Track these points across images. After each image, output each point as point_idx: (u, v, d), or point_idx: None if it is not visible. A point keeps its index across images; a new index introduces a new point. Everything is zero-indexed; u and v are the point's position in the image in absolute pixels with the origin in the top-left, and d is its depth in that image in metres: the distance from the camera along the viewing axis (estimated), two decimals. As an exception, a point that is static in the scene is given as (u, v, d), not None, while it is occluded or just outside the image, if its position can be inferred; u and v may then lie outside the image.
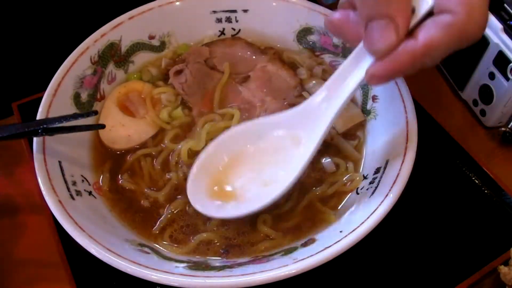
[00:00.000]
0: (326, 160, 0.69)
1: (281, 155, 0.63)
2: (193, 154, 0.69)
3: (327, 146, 0.71)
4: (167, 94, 0.76)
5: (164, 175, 0.69)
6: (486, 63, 0.76)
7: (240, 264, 0.58)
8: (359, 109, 0.75)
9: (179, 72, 0.78)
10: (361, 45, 0.53)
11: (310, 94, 0.76)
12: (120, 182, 0.69)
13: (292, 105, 0.73)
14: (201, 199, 0.62)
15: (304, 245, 0.60)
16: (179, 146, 0.69)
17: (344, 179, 0.68)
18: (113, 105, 0.74)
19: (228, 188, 0.63)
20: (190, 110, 0.75)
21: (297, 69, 0.79)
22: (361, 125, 0.74)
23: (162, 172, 0.69)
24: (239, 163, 0.64)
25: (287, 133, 0.63)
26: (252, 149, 0.64)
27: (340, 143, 0.72)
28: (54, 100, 0.68)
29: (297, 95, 0.75)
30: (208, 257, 0.61)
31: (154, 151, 0.71)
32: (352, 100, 0.76)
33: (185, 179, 0.65)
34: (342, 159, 0.70)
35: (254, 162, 0.64)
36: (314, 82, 0.78)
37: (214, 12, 0.83)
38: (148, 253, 0.59)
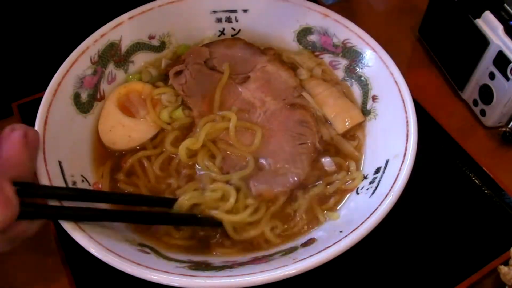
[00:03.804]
0: (326, 159, 0.69)
1: None
2: (192, 154, 0.69)
3: (327, 146, 0.71)
4: (167, 94, 0.76)
5: (163, 177, 0.69)
6: (486, 63, 0.76)
7: (240, 264, 0.58)
8: (358, 109, 0.75)
9: (179, 73, 0.78)
10: None
11: (310, 94, 0.76)
12: (119, 183, 0.68)
13: (292, 105, 0.74)
14: None
15: (304, 245, 0.61)
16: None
17: (344, 177, 0.68)
18: (113, 106, 0.74)
19: None
20: (190, 110, 0.75)
21: (297, 70, 0.79)
22: (361, 126, 0.74)
23: (161, 174, 0.69)
24: None
25: None
26: None
27: (340, 144, 0.72)
28: (54, 100, 0.67)
29: (297, 95, 0.75)
30: (208, 257, 0.62)
31: (154, 153, 0.71)
32: (352, 100, 0.76)
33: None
34: (342, 158, 0.70)
35: None
36: (314, 82, 0.78)
37: (214, 12, 0.83)
38: (148, 253, 0.59)
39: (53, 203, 0.57)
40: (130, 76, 0.79)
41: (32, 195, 0.54)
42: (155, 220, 0.63)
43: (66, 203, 0.57)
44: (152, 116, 0.73)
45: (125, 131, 0.72)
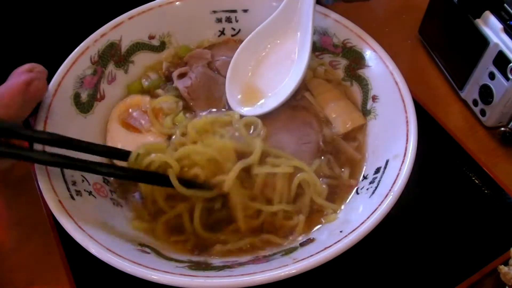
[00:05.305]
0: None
1: (288, 54, 0.76)
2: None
3: (328, 147, 0.71)
4: (168, 102, 0.75)
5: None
6: (486, 63, 0.76)
7: (240, 264, 0.59)
8: (359, 112, 0.75)
9: (182, 75, 0.78)
10: None
11: (313, 94, 0.76)
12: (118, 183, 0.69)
13: (293, 106, 0.74)
14: (238, 107, 0.74)
15: (304, 245, 0.61)
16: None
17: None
18: (117, 125, 0.74)
19: (256, 90, 0.76)
20: (191, 113, 0.75)
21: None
22: (362, 129, 0.73)
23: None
24: (260, 66, 0.78)
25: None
26: (268, 52, 0.78)
27: (341, 145, 0.72)
28: (54, 100, 0.68)
29: (299, 98, 0.75)
30: (208, 257, 0.62)
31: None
32: (353, 101, 0.76)
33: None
34: (341, 161, 0.70)
35: (271, 63, 0.77)
36: (316, 82, 0.78)
37: (214, 12, 0.83)
38: (148, 253, 0.59)
39: (37, 147, 0.60)
40: (134, 83, 0.79)
41: (13, 136, 0.57)
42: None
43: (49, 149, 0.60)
44: (157, 127, 0.73)
45: (135, 147, 0.70)
